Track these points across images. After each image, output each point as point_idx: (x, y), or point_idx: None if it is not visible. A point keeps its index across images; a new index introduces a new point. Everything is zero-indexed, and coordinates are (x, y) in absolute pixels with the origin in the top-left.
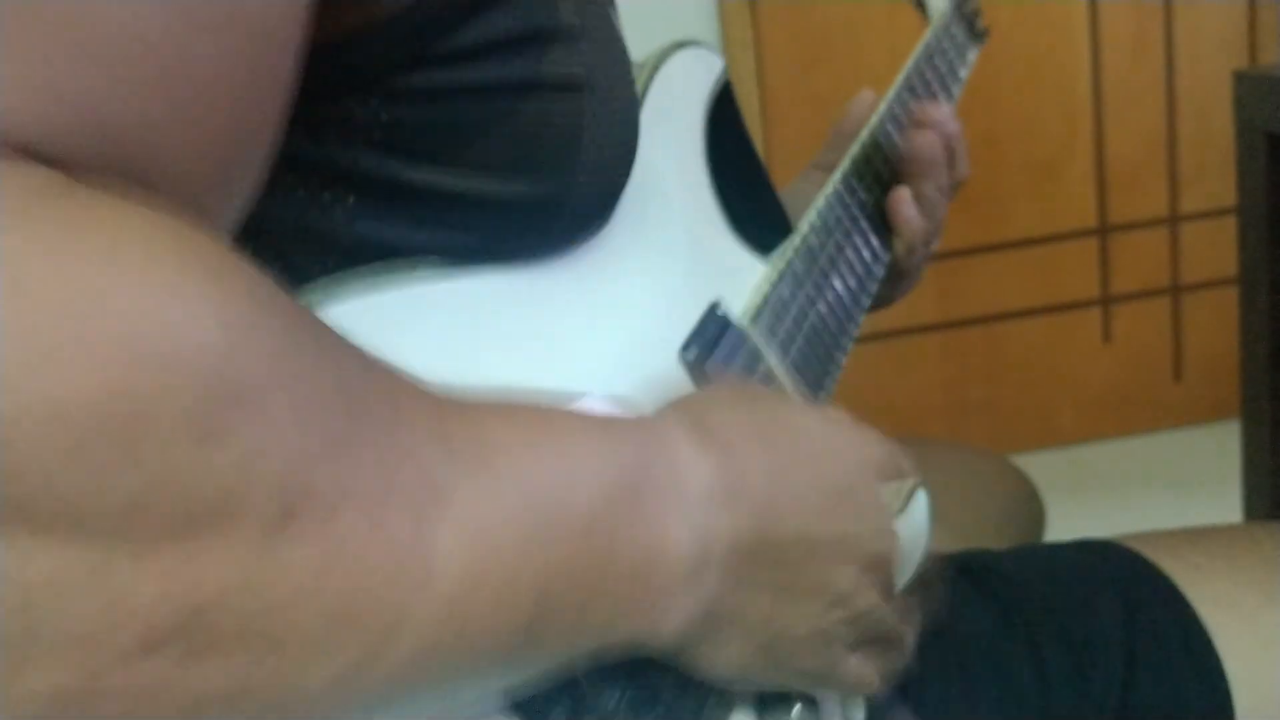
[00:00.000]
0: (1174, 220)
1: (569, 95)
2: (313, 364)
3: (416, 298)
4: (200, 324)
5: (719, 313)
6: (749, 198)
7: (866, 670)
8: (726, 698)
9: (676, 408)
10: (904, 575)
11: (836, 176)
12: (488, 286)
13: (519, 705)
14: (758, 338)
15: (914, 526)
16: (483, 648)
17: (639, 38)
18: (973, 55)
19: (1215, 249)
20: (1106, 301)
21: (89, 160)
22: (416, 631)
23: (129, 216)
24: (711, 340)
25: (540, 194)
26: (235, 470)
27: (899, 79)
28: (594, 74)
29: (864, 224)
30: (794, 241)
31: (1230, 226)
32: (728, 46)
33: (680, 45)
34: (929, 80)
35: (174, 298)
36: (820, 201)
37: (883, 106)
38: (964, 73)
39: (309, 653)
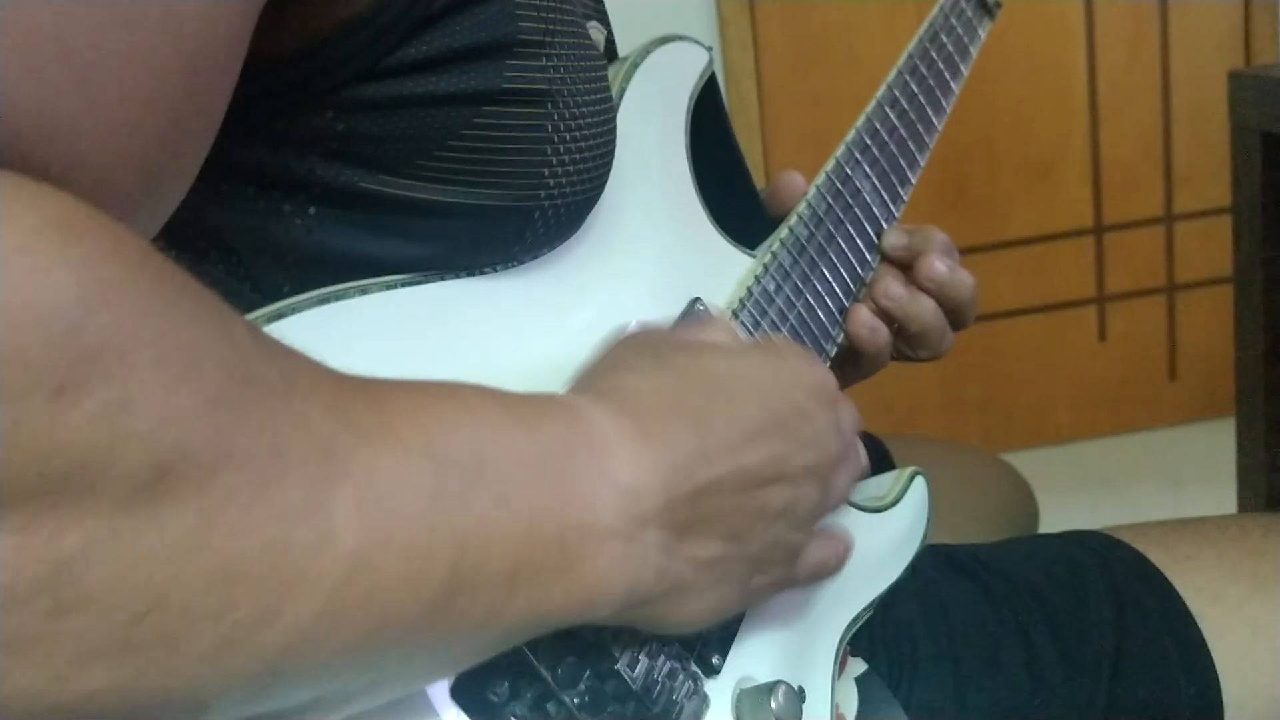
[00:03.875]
0: (1169, 219)
1: (531, 107)
2: (187, 325)
3: (372, 309)
4: (54, 281)
5: (699, 307)
6: (733, 192)
7: (822, 553)
8: (703, 690)
9: (584, 384)
10: (902, 562)
11: (830, 165)
12: (451, 295)
13: (477, 705)
14: (740, 332)
15: (913, 512)
16: (397, 611)
17: (638, 38)
18: (984, 31)
19: (1210, 248)
20: (1102, 300)
21: None
22: (315, 592)
23: None
24: None
25: (505, 205)
26: (96, 426)
27: (901, 58)
28: (559, 86)
29: (857, 212)
30: (781, 233)
31: (1225, 226)
32: (726, 47)
33: (664, 40)
34: (934, 59)
35: (26, 255)
36: (811, 191)
37: (882, 89)
38: (974, 50)
39: (195, 611)
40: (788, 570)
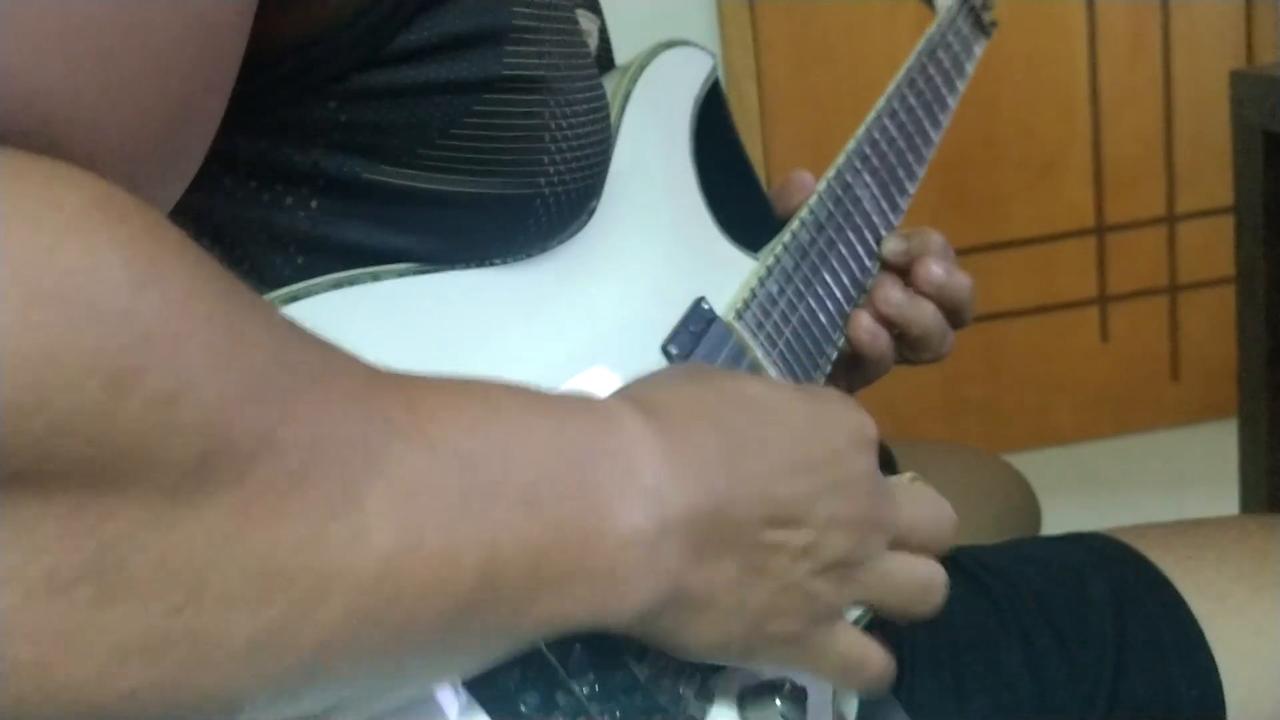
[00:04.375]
0: (1171, 219)
1: (528, 95)
2: (232, 309)
3: (383, 296)
4: (105, 265)
5: (704, 307)
6: (739, 196)
7: (858, 644)
8: (708, 686)
9: (622, 390)
10: None
11: (831, 172)
12: (460, 284)
13: (489, 694)
14: (743, 332)
15: None
16: (424, 616)
17: (638, 38)
18: (979, 49)
19: (1212, 248)
20: (1104, 301)
21: (11, 133)
22: (347, 591)
23: (29, 163)
24: (695, 335)
25: (506, 194)
26: (147, 412)
27: (900, 72)
28: (554, 73)
29: (858, 220)
30: (784, 237)
31: (1227, 226)
32: (726, 47)
33: (668, 45)
34: (931, 75)
35: (76, 239)
36: (813, 198)
37: (881, 100)
38: (970, 67)
39: (231, 605)
40: (805, 627)
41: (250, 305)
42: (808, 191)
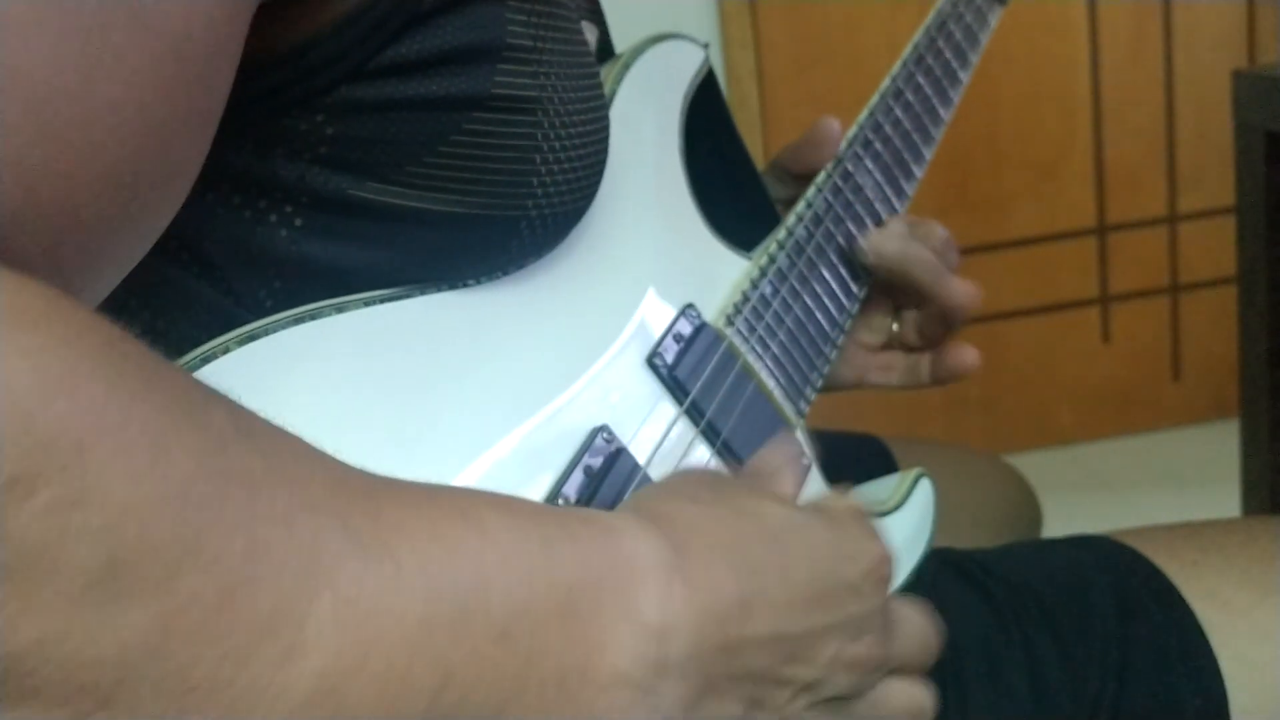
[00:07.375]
0: (1173, 220)
1: (520, 115)
2: (154, 414)
3: (347, 328)
4: (7, 370)
5: (691, 314)
6: (733, 192)
7: None
8: None
9: (637, 503)
10: (906, 568)
11: (830, 163)
12: (432, 310)
13: None
14: (734, 338)
15: (918, 516)
16: None
17: (637, 38)
18: (994, 18)
19: (1214, 248)
20: (1105, 301)
21: None
22: (272, 711)
23: None
24: (682, 345)
25: (491, 215)
26: (48, 519)
27: (907, 50)
28: (549, 94)
29: (860, 209)
30: (778, 235)
31: (1229, 226)
32: (727, 46)
33: (657, 39)
34: (941, 50)
35: None
36: (810, 190)
37: (886, 81)
38: (984, 38)
39: (144, 715)
40: None
41: (185, 407)
42: (835, 144)
